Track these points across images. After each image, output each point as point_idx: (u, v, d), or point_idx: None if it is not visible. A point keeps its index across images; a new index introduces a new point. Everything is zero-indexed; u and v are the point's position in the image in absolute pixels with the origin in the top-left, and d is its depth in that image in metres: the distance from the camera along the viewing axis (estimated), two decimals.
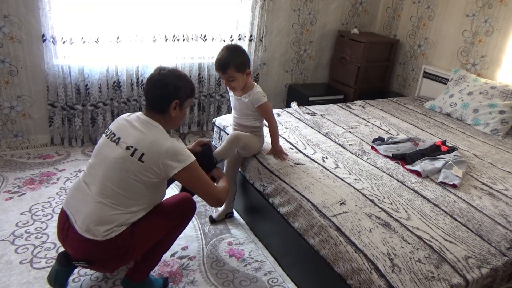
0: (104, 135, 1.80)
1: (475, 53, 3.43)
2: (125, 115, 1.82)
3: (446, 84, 3.56)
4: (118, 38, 3.12)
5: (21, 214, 2.41)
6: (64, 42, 2.96)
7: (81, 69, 3.08)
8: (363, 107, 3.37)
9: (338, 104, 3.39)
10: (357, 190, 2.06)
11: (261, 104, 2.19)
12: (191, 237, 2.36)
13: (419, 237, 1.74)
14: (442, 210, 1.97)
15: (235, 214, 2.61)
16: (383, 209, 1.92)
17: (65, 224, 1.72)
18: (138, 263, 1.86)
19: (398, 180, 2.20)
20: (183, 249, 2.26)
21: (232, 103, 2.33)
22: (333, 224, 1.80)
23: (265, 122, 2.34)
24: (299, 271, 2.06)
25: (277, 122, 2.83)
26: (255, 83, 2.25)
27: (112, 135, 1.74)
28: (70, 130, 3.25)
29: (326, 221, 1.83)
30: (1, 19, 2.81)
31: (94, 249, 1.64)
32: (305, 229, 1.94)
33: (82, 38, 3.00)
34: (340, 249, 1.71)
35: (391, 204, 1.97)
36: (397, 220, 1.84)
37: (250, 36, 3.65)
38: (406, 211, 1.93)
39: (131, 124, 1.73)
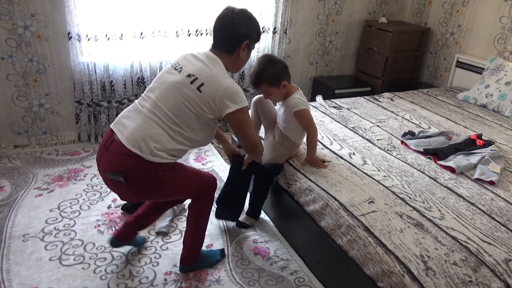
0: (168, 65, 1.81)
1: None
2: (192, 51, 1.82)
3: (481, 73, 3.38)
4: (141, 34, 3.11)
5: (50, 211, 2.46)
6: (89, 40, 2.98)
7: (106, 66, 3.10)
8: (392, 99, 3.24)
9: (365, 96, 3.27)
10: (387, 187, 1.97)
11: (297, 111, 2.03)
12: (215, 235, 2.34)
13: (454, 238, 1.65)
14: (479, 209, 1.86)
15: None
16: (414, 208, 1.83)
17: (108, 140, 1.70)
18: (184, 247, 2.00)
19: (430, 177, 2.09)
20: (208, 247, 2.24)
21: (278, 107, 2.25)
22: (362, 224, 1.73)
23: None
24: (326, 270, 2.00)
25: None
26: (298, 90, 2.11)
27: (177, 65, 1.76)
28: (96, 127, 3.28)
29: (354, 220, 1.76)
30: (29, 18, 2.84)
31: (135, 164, 1.62)
32: (332, 228, 1.87)
33: (106, 35, 3.01)
34: (370, 250, 1.64)
35: (423, 202, 1.88)
36: (430, 220, 1.75)
37: (274, 29, 3.57)
38: (439, 210, 1.83)
39: (197, 57, 1.75)
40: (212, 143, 3.43)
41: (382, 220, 1.74)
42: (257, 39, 1.84)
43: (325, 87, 3.88)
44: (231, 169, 2.28)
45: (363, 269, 1.68)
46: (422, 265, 1.50)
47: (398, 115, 2.90)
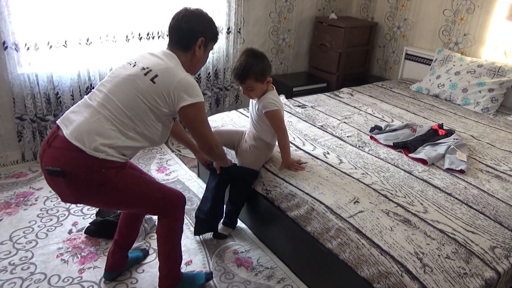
0: (123, 62, 1.74)
1: (457, 31, 3.41)
2: (149, 50, 1.77)
3: (429, 65, 3.53)
4: (88, 40, 2.87)
5: (1, 243, 2.18)
6: (28, 49, 2.68)
7: (49, 77, 2.81)
8: (351, 94, 3.29)
9: (326, 93, 3.29)
10: (367, 185, 1.97)
11: (268, 111, 1.97)
12: (193, 250, 2.21)
13: (441, 231, 1.68)
14: (456, 198, 1.91)
15: None
16: (398, 204, 1.84)
17: (52, 136, 1.57)
18: (161, 272, 1.84)
19: (405, 171, 2.13)
20: (187, 263, 2.11)
21: (250, 106, 2.17)
22: (352, 226, 1.71)
23: None
24: (315, 275, 1.96)
25: None
26: (273, 89, 2.05)
27: (132, 61, 1.69)
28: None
29: (343, 223, 1.73)
30: None
31: (75, 159, 1.50)
32: (320, 232, 1.84)
33: (48, 43, 2.73)
34: (363, 252, 1.62)
35: (405, 197, 1.90)
36: (415, 215, 1.77)
37: (228, 29, 3.47)
38: (421, 203, 1.86)
39: (153, 54, 1.70)
40: (173, 151, 3.27)
41: (371, 219, 1.73)
42: (213, 38, 1.79)
43: (282, 85, 3.85)
44: (209, 180, 2.19)
45: (357, 271, 1.66)
46: (418, 263, 1.51)
47: (361, 110, 2.94)
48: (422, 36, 3.70)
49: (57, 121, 1.61)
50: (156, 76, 1.59)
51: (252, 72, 1.90)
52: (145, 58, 1.68)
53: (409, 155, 2.28)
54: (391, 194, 1.92)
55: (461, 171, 2.12)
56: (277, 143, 2.18)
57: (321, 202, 1.85)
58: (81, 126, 1.53)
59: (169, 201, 1.75)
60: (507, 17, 3.09)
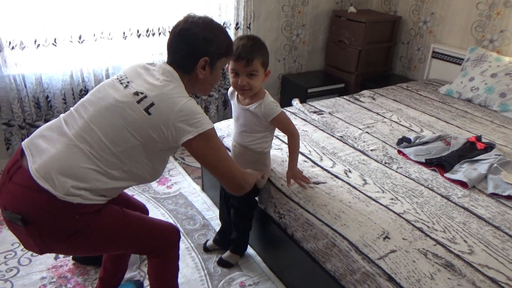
0: (113, 77, 1.43)
1: (492, 27, 3.03)
2: (145, 63, 1.45)
3: (459, 64, 3.18)
4: (80, 38, 2.58)
5: None
6: (13, 48, 2.42)
7: (38, 78, 2.55)
8: (373, 98, 2.95)
9: (345, 97, 2.96)
10: (398, 215, 1.66)
11: (276, 117, 1.68)
12: (194, 281, 1.93)
13: (493, 280, 1.36)
14: (506, 234, 1.59)
15: None
16: (437, 242, 1.53)
17: (15, 164, 1.27)
18: None
19: (442, 195, 1.81)
20: None
21: (234, 114, 1.83)
22: (383, 271, 1.40)
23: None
24: None
25: None
26: (266, 90, 1.76)
27: (124, 78, 1.40)
28: None
29: (372, 266, 1.43)
30: None
31: (42, 204, 1.21)
32: (342, 273, 1.54)
33: (35, 41, 2.46)
34: None
35: (444, 232, 1.58)
36: (459, 256, 1.46)
37: (237, 24, 3.16)
38: (465, 240, 1.54)
39: (149, 71, 1.39)
40: (177, 159, 2.99)
41: (405, 263, 1.42)
42: (223, 55, 1.43)
43: (296, 86, 3.53)
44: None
45: None
46: None
47: (385, 117, 2.61)
48: (452, 33, 3.33)
49: (22, 143, 1.32)
50: (152, 104, 1.28)
51: (261, 52, 1.61)
52: (140, 76, 1.37)
53: (445, 175, 1.96)
54: (428, 227, 1.60)
55: (509, 197, 1.80)
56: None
57: (344, 237, 1.55)
58: (51, 161, 1.23)
59: (160, 239, 1.47)
60: None
